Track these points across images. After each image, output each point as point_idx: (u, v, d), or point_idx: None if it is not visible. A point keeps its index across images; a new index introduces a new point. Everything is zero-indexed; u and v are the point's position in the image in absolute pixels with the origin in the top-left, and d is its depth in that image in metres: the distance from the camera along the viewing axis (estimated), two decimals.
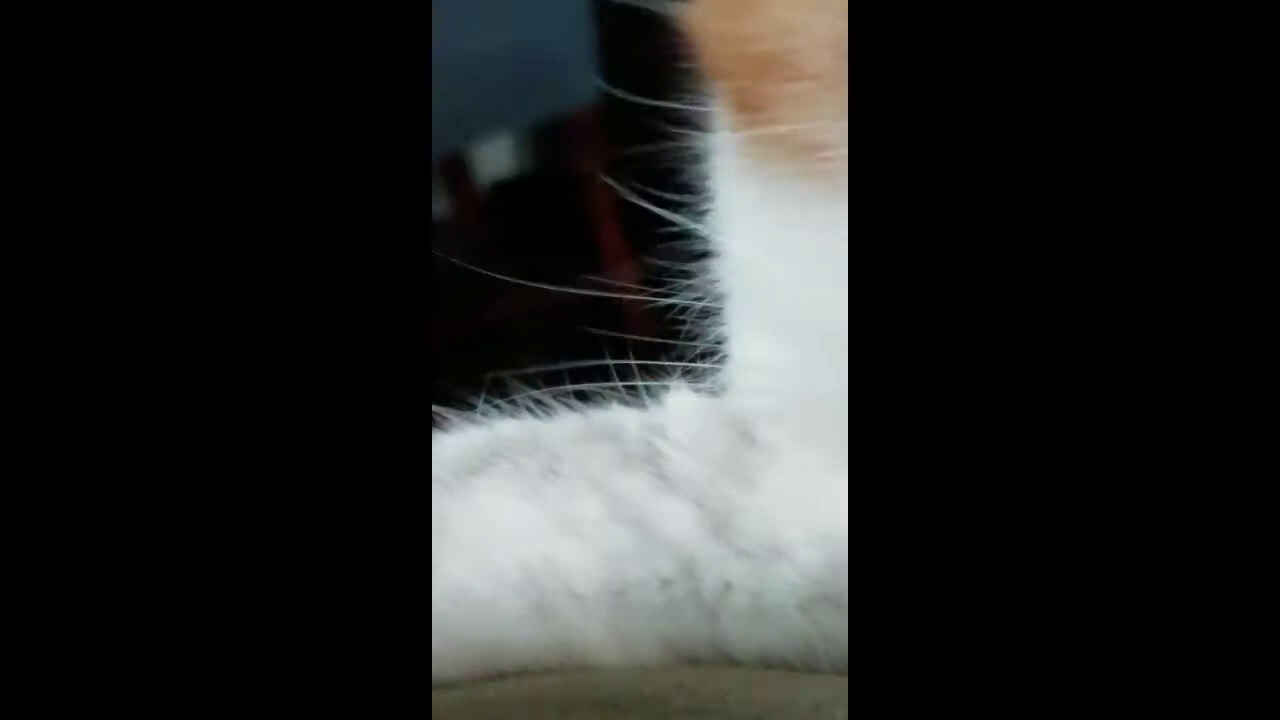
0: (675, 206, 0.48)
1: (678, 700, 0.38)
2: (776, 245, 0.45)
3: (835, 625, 0.44)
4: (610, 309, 0.49)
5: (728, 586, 0.44)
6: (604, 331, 0.47)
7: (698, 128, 0.47)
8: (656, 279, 0.48)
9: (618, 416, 0.47)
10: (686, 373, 0.48)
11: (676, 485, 0.45)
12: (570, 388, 0.48)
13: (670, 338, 0.48)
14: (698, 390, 0.48)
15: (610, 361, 0.48)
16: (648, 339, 0.48)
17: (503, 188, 1.51)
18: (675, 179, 0.48)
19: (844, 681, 0.40)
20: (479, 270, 0.51)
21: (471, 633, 0.42)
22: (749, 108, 0.43)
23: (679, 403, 0.47)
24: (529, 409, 0.48)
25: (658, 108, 0.46)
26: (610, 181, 0.49)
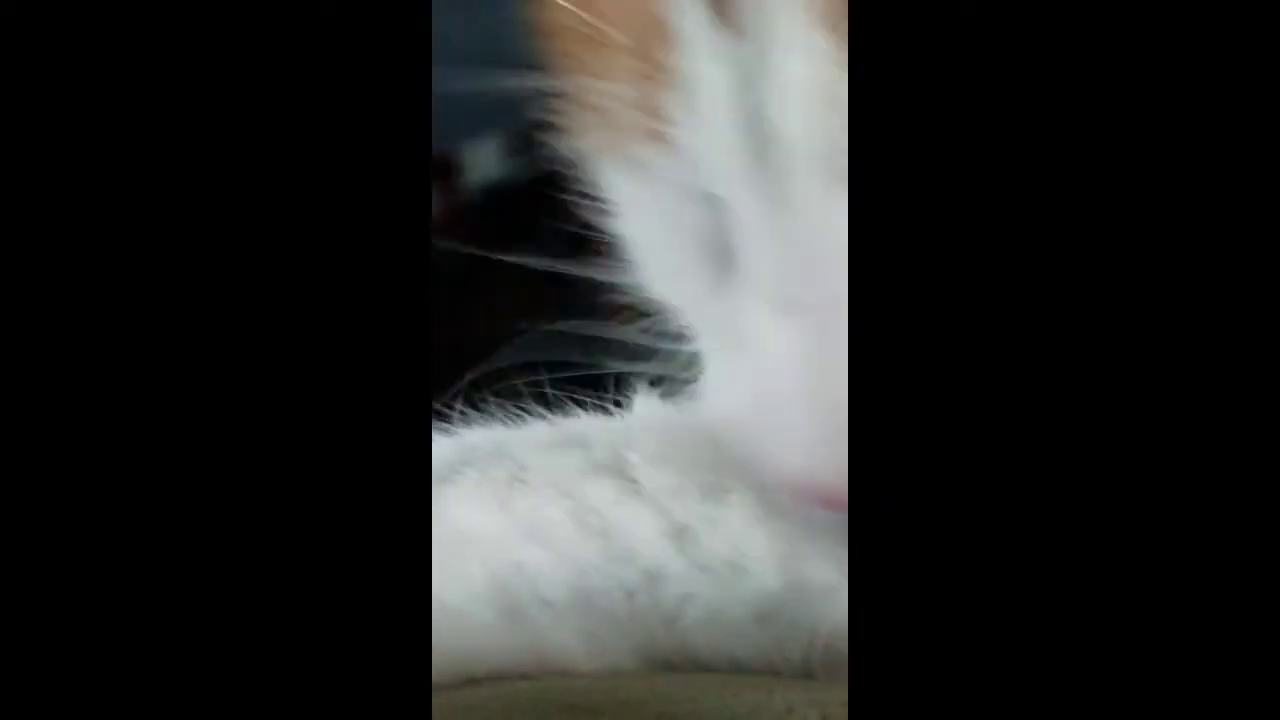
0: None
1: (652, 705, 0.39)
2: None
3: (791, 639, 0.44)
4: (587, 313, 0.49)
5: (688, 598, 0.45)
6: (577, 331, 0.47)
7: None
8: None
9: (585, 425, 0.48)
10: (659, 381, 0.49)
11: (642, 495, 0.46)
12: (540, 393, 0.49)
13: (648, 342, 0.49)
14: (667, 399, 0.48)
15: (581, 371, 0.48)
16: (623, 343, 0.49)
17: (491, 190, 1.48)
18: None
19: (818, 685, 0.41)
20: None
21: (444, 640, 0.42)
22: None
23: (647, 412, 0.48)
24: (497, 417, 0.49)
25: None
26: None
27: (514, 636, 0.45)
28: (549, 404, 0.48)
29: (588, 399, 0.48)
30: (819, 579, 0.44)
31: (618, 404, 0.48)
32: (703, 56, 0.40)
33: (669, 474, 0.45)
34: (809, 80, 0.39)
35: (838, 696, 0.38)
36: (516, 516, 0.46)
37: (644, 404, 0.48)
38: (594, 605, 0.45)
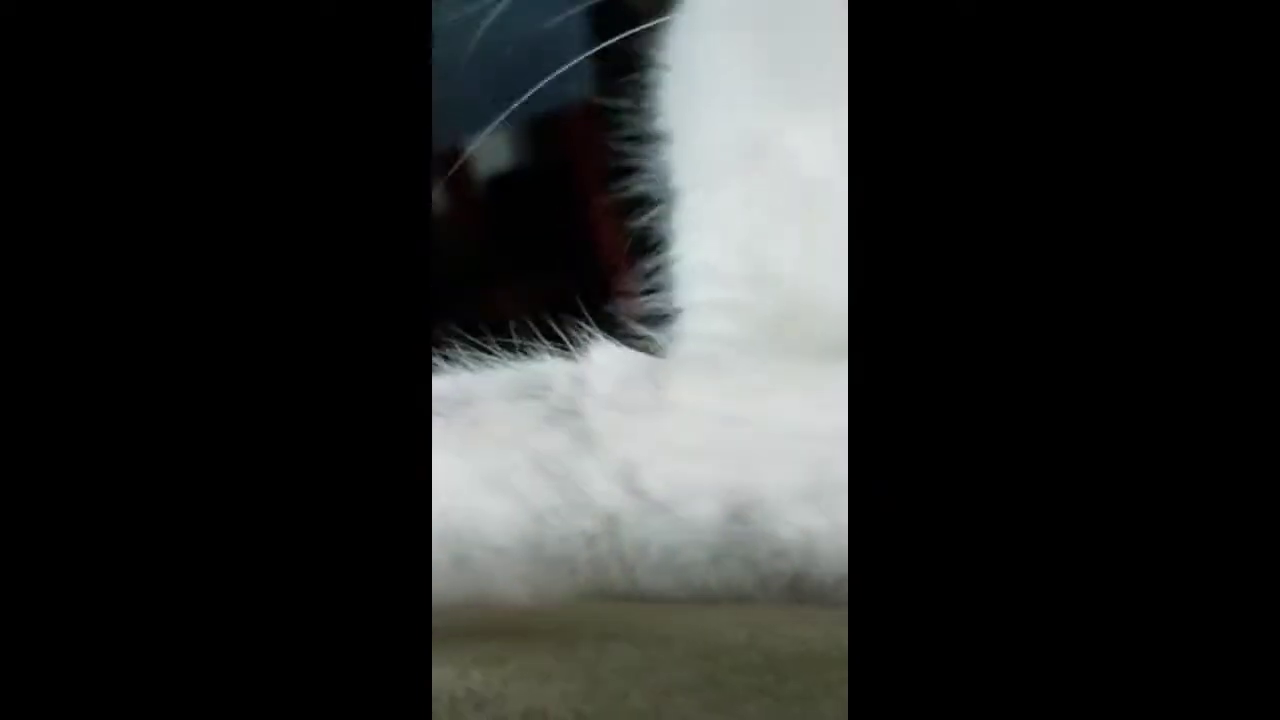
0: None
1: (585, 626, 0.38)
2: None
3: (741, 577, 0.44)
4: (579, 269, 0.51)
5: (646, 542, 0.44)
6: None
7: None
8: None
9: (547, 369, 0.47)
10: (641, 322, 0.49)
11: (596, 440, 0.45)
12: (504, 341, 0.48)
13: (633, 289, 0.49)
14: (627, 345, 0.48)
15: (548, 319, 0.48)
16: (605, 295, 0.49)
17: (499, 182, 1.48)
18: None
19: (749, 610, 0.40)
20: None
21: None
22: None
23: (602, 356, 0.47)
24: (461, 364, 0.48)
25: None
26: None
27: (461, 579, 0.44)
28: (513, 350, 0.48)
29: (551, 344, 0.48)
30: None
31: (578, 349, 0.48)
32: None
33: (618, 414, 0.45)
34: None
35: (766, 618, 0.38)
36: (474, 463, 0.46)
37: (599, 348, 0.48)
38: (549, 553, 0.45)
